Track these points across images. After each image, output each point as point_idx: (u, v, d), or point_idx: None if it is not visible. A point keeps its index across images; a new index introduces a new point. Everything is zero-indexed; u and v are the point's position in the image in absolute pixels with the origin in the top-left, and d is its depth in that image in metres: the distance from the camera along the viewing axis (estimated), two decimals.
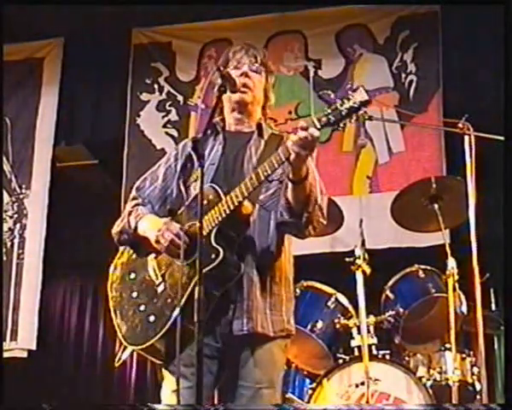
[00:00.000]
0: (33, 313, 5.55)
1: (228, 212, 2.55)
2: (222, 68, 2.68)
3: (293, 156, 2.44)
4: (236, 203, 2.54)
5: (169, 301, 2.60)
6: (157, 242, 2.65)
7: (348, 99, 2.39)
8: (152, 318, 2.64)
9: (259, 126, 2.81)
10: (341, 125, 2.42)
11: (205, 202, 2.57)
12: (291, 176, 2.52)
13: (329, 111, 2.41)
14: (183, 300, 2.48)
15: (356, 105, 2.38)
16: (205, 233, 2.54)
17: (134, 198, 2.89)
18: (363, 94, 2.39)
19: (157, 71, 5.86)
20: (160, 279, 2.69)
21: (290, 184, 2.54)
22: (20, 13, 5.13)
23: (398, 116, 5.24)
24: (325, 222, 2.66)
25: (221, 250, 2.52)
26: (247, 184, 2.53)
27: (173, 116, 5.77)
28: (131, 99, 5.80)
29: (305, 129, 2.40)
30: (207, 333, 2.53)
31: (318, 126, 2.41)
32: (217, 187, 2.61)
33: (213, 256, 2.52)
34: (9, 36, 5.12)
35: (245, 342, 2.61)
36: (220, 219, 2.55)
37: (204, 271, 2.40)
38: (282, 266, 2.71)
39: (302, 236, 2.67)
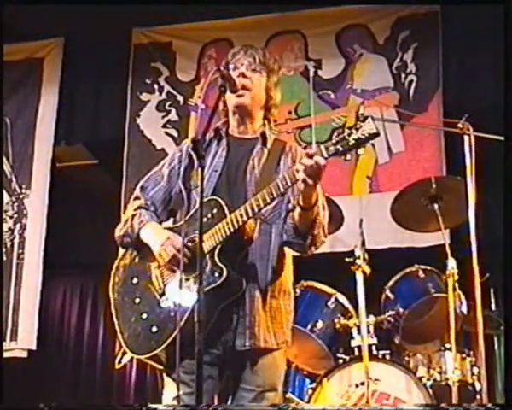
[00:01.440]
0: (33, 313, 5.55)
1: (232, 230, 2.55)
2: (222, 68, 2.68)
3: (300, 183, 2.45)
4: (241, 223, 2.55)
5: (171, 314, 2.59)
6: (160, 255, 2.65)
7: (357, 129, 2.38)
8: (154, 328, 2.63)
9: (263, 135, 2.80)
10: (348, 156, 2.42)
11: (209, 215, 2.60)
12: (301, 202, 2.53)
13: (337, 140, 2.40)
14: (186, 315, 2.48)
15: (364, 137, 2.38)
16: (208, 249, 2.56)
17: (137, 198, 2.87)
18: (371, 126, 2.38)
19: (157, 71, 5.86)
20: (163, 290, 2.68)
21: (299, 209, 2.55)
22: (20, 13, 5.12)
23: (398, 116, 5.24)
24: (325, 240, 2.68)
25: (225, 269, 2.53)
26: (253, 205, 2.53)
27: (173, 116, 5.77)
28: (131, 99, 5.80)
29: (312, 157, 2.40)
30: (210, 345, 2.54)
31: (326, 156, 2.41)
32: (221, 201, 2.61)
33: (217, 275, 2.53)
34: (9, 36, 5.12)
35: (247, 356, 2.62)
36: (224, 236, 2.56)
37: (207, 289, 2.45)
38: (282, 278, 2.72)
39: (304, 253, 2.68)
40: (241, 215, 2.54)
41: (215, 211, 2.60)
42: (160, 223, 2.81)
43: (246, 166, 2.74)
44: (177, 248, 2.57)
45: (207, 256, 2.56)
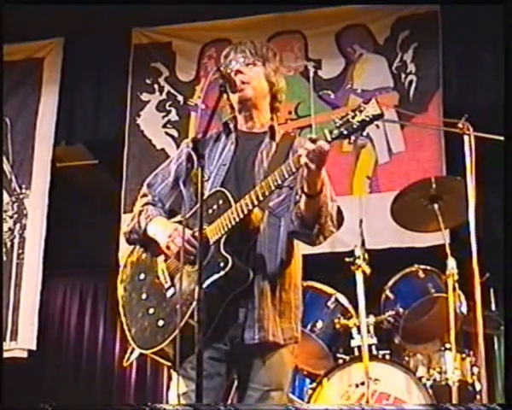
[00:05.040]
0: (33, 313, 5.55)
1: (237, 220, 2.52)
2: (222, 68, 2.68)
3: (304, 169, 2.43)
4: (246, 212, 2.52)
5: (178, 306, 2.56)
6: (167, 247, 2.64)
7: (360, 111, 2.35)
8: (161, 322, 2.62)
9: (272, 129, 2.79)
10: (352, 138, 2.38)
11: (214, 206, 2.58)
12: (306, 190, 2.50)
13: (341, 123, 2.37)
14: (191, 307, 2.47)
15: (368, 118, 2.34)
16: (214, 240, 2.55)
17: (144, 195, 2.87)
18: (375, 107, 2.34)
19: (157, 71, 5.86)
20: (170, 283, 2.67)
21: (304, 197, 2.53)
22: (20, 13, 5.12)
23: (398, 116, 5.23)
24: (335, 230, 2.65)
25: (230, 258, 2.51)
26: (258, 193, 2.51)
27: (173, 116, 5.77)
28: (131, 99, 5.80)
29: (315, 141, 2.38)
30: (217, 339, 2.55)
31: (329, 139, 2.38)
32: (227, 192, 2.59)
33: (222, 264, 2.51)
34: (9, 36, 5.12)
35: (256, 350, 2.61)
36: (230, 226, 2.53)
37: (213, 278, 2.45)
38: (291, 272, 2.70)
39: (312, 244, 2.66)
40: (247, 204, 2.52)
41: (221, 202, 2.58)
42: (168, 219, 2.79)
43: (254, 159, 2.72)
44: (186, 239, 2.53)
45: (213, 247, 2.54)
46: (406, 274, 4.32)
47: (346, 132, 2.37)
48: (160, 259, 2.73)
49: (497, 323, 4.54)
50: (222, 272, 2.50)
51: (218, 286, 2.48)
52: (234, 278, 2.53)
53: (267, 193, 2.51)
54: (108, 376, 6.57)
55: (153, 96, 5.82)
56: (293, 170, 2.47)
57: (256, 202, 2.52)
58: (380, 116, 2.35)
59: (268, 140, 2.78)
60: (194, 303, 2.33)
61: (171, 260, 2.69)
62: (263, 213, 2.61)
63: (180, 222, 2.69)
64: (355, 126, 2.36)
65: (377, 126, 2.43)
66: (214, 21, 5.71)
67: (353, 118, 2.36)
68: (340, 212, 4.28)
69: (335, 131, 2.38)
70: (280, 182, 2.50)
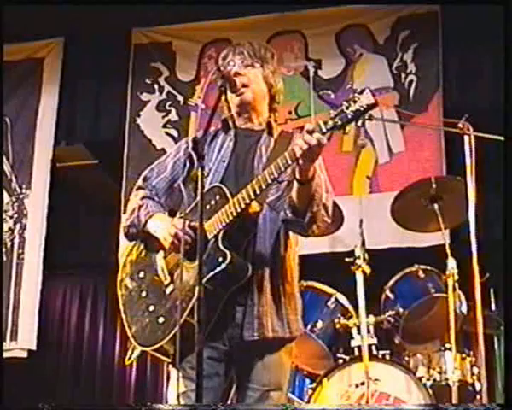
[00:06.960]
0: (33, 313, 5.56)
1: (235, 214, 2.52)
2: (222, 68, 2.68)
3: (300, 160, 2.42)
4: (243, 206, 2.52)
5: (177, 303, 2.56)
6: (165, 239, 2.64)
7: (354, 101, 2.34)
8: (161, 319, 2.62)
9: (269, 125, 2.80)
10: (347, 128, 2.37)
11: (212, 202, 2.58)
12: (298, 176, 2.49)
13: (335, 114, 2.37)
14: (191, 303, 2.47)
15: (362, 108, 2.34)
16: (212, 235, 2.54)
17: (140, 188, 2.86)
18: (369, 97, 2.33)
19: (157, 71, 5.86)
20: (169, 280, 2.67)
21: (296, 183, 2.52)
22: (20, 13, 5.12)
23: (398, 116, 5.24)
24: (329, 221, 2.64)
25: (228, 253, 2.50)
26: (254, 187, 2.51)
27: (173, 116, 5.78)
28: (131, 99, 5.80)
29: (311, 132, 2.37)
30: (215, 337, 2.54)
31: (324, 130, 2.37)
32: (224, 188, 2.59)
33: (220, 260, 2.50)
34: (9, 36, 5.12)
35: (255, 348, 2.60)
36: (227, 221, 2.53)
37: (211, 274, 2.44)
38: (289, 266, 2.70)
39: (306, 234, 2.65)
40: (244, 198, 2.51)
41: (218, 198, 2.58)
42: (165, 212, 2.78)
43: (253, 155, 2.72)
44: (181, 228, 2.53)
45: (211, 242, 2.54)
46: (406, 274, 4.33)
47: (340, 123, 2.36)
48: (160, 256, 2.73)
49: (497, 323, 4.54)
50: (220, 267, 2.49)
51: (216, 281, 2.47)
52: (233, 273, 2.53)
53: (264, 186, 2.50)
54: (108, 376, 6.56)
55: (153, 96, 5.83)
56: (289, 162, 2.46)
57: (253, 196, 2.51)
58: (374, 106, 2.35)
59: (266, 136, 2.78)
60: (194, 299, 2.33)
61: (170, 256, 2.69)
62: (261, 207, 2.60)
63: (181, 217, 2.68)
64: (349, 117, 2.35)
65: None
66: (214, 21, 5.72)
67: (347, 108, 2.35)
68: (340, 211, 4.35)
69: (330, 122, 2.37)
70: (276, 175, 2.49)
